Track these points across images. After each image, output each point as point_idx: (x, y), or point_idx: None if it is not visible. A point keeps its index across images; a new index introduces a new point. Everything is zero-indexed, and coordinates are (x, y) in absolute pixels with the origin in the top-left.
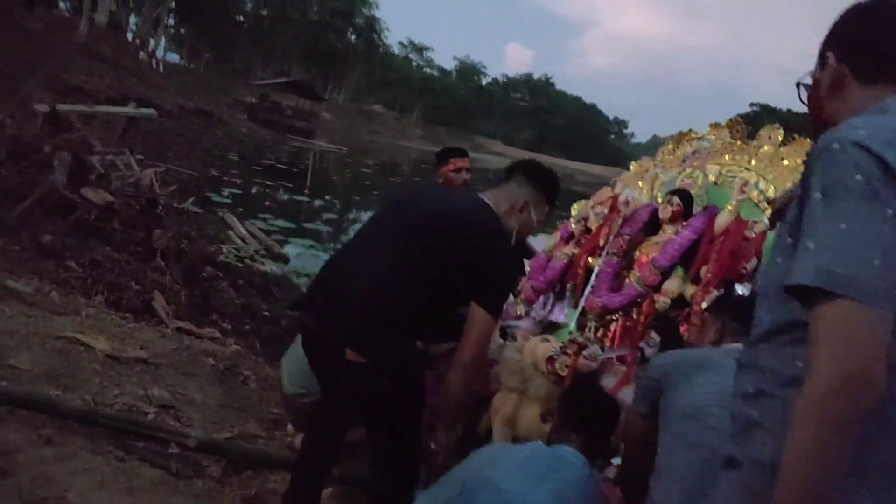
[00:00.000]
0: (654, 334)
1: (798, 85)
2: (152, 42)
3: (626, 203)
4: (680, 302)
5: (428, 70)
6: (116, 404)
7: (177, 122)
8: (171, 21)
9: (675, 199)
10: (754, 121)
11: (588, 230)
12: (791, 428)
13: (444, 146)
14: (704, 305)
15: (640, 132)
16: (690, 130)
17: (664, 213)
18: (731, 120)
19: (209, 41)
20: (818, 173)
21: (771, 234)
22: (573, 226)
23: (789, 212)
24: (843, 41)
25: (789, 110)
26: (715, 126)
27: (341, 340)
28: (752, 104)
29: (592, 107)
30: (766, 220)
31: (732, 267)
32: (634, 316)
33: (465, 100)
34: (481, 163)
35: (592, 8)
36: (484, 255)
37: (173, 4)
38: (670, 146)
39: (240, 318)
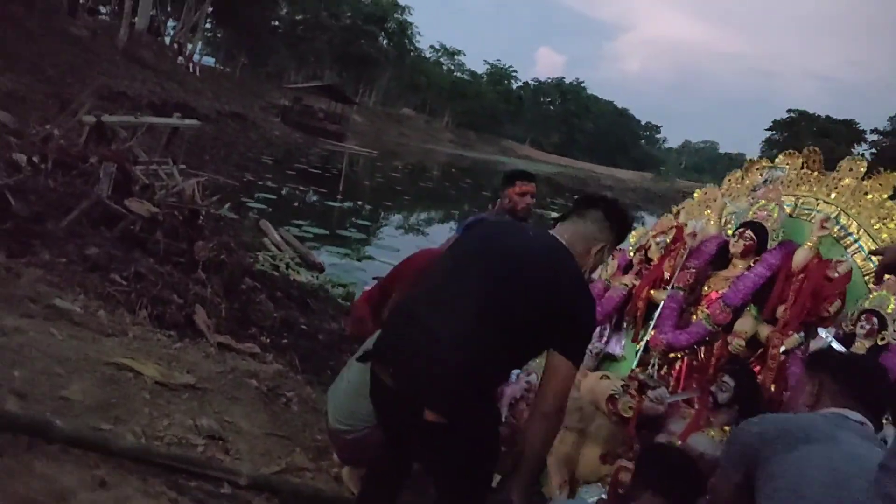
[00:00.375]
0: (727, 378)
1: None
2: (189, 46)
3: (693, 235)
4: (752, 343)
5: (458, 74)
6: (166, 437)
7: (214, 125)
8: (208, 25)
9: (749, 233)
10: (791, 126)
11: (648, 260)
12: None
13: (512, 170)
14: (783, 349)
15: (672, 137)
16: (762, 158)
17: (736, 247)
18: (807, 149)
19: (245, 45)
20: None
21: (857, 274)
22: (632, 254)
23: None
24: None
25: (828, 117)
26: (789, 154)
27: (421, 399)
28: (789, 110)
29: (624, 111)
30: (852, 260)
31: (814, 309)
32: (702, 356)
33: (494, 104)
34: (510, 166)
35: (627, 12)
36: (570, 304)
37: (210, 9)
38: (738, 174)
39: (278, 331)
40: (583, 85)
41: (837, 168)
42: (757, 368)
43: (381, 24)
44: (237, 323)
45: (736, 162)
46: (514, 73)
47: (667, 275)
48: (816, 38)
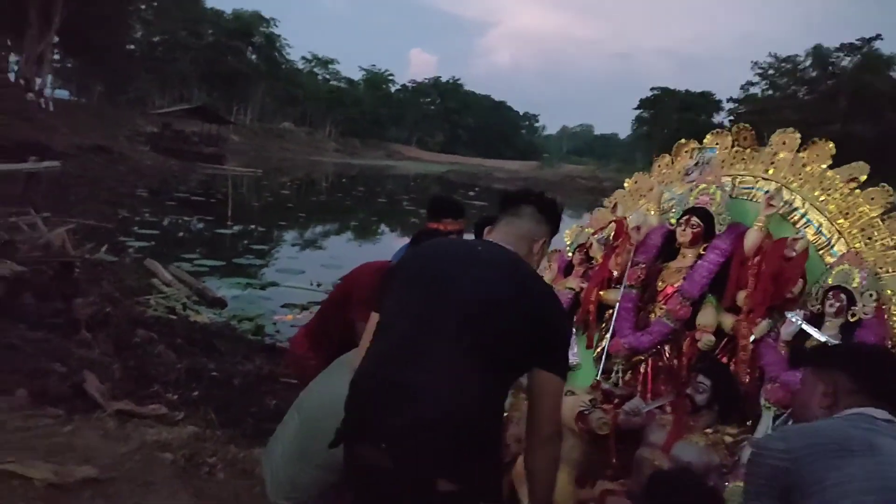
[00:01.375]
0: (701, 377)
1: None
2: (38, 80)
3: (637, 228)
4: (716, 334)
5: (335, 83)
6: None
7: (76, 162)
8: (56, 55)
9: (694, 220)
10: (656, 103)
11: (590, 259)
12: None
13: (435, 195)
14: (753, 338)
15: (550, 124)
16: (689, 140)
17: (683, 236)
18: (737, 126)
19: (99, 73)
20: None
21: (811, 250)
22: (570, 255)
23: None
24: None
25: (687, 91)
26: (716, 133)
27: (429, 470)
28: (652, 88)
29: (502, 104)
30: (807, 237)
31: (777, 292)
32: (667, 355)
33: (375, 109)
34: (399, 170)
35: (492, 8)
36: (545, 316)
37: (56, 38)
38: (667, 159)
39: (185, 384)
40: (459, 82)
41: (769, 143)
42: (724, 360)
43: (247, 38)
44: (136, 383)
45: (612, 141)
46: (391, 77)
47: (615, 273)
48: (665, 18)
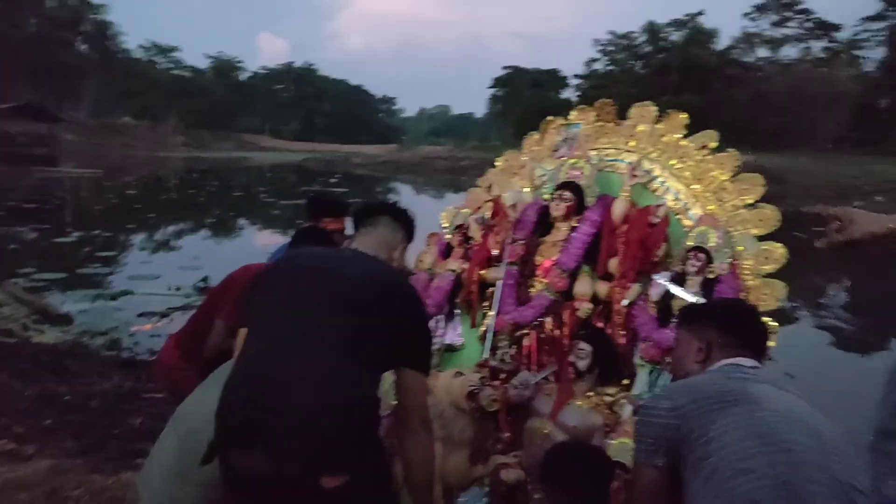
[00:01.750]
0: (582, 344)
1: None
2: None
3: (514, 206)
4: (591, 301)
5: (178, 72)
6: None
7: None
8: None
9: (567, 194)
10: (509, 82)
11: (468, 239)
12: None
13: (316, 193)
14: (626, 302)
15: (408, 107)
16: (556, 118)
17: (557, 210)
18: (599, 102)
19: None
20: None
21: (674, 218)
22: (448, 237)
23: None
24: None
25: (536, 69)
26: (581, 110)
27: (312, 468)
28: (504, 67)
29: (358, 88)
30: (668, 203)
31: (644, 257)
32: (549, 326)
33: (224, 98)
34: (254, 161)
35: None
36: (413, 317)
37: None
38: (536, 136)
39: (36, 413)
40: (313, 67)
41: (629, 116)
42: (601, 325)
43: (75, 27)
44: None
45: (469, 121)
46: (240, 64)
47: (495, 252)
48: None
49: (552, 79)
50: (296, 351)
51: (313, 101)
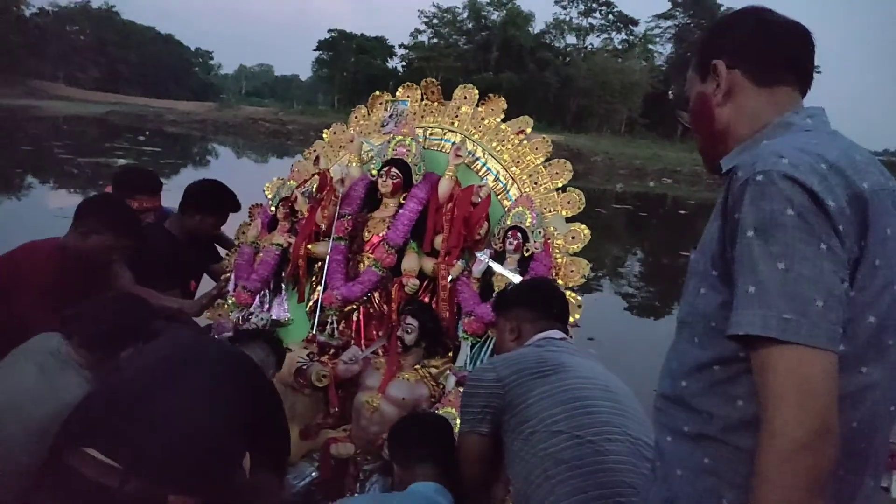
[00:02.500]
0: (409, 319)
1: (677, 111)
2: None
3: (342, 181)
4: (418, 276)
5: None
6: None
7: None
8: None
9: (394, 171)
10: (334, 46)
11: (294, 212)
12: (755, 485)
13: (125, 167)
14: (451, 278)
15: (226, 63)
16: (384, 93)
17: (385, 187)
18: (425, 81)
19: None
20: (748, 208)
21: (494, 198)
22: (273, 209)
23: (707, 240)
24: (733, 47)
25: (363, 34)
26: (408, 87)
27: (166, 483)
28: (329, 30)
29: (169, 37)
30: (489, 184)
31: (468, 235)
32: (377, 302)
33: (3, 36)
34: (46, 110)
35: None
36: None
37: None
38: (363, 111)
39: None
40: (114, 10)
41: (454, 98)
42: (427, 300)
43: None
44: None
45: (294, 83)
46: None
47: (322, 226)
48: None
49: (379, 46)
50: (171, 379)
51: (116, 49)
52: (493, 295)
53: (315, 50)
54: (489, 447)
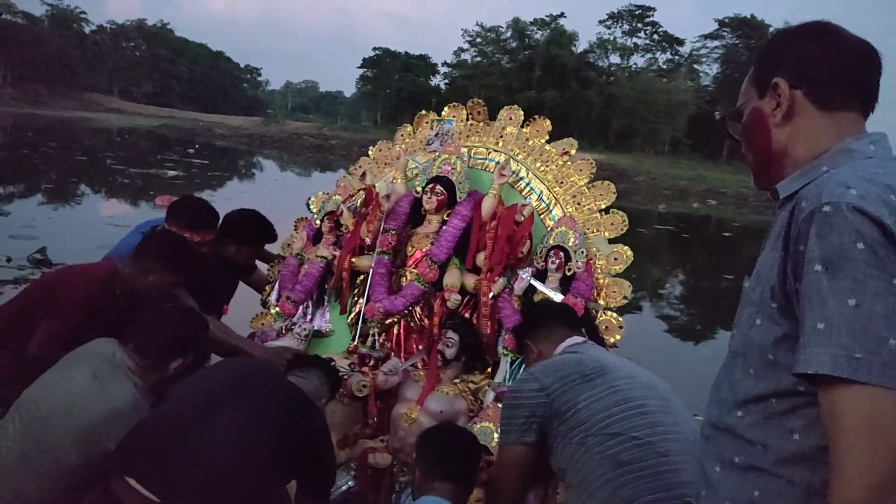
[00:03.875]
0: (450, 333)
1: (723, 119)
2: None
3: (388, 197)
4: (460, 292)
5: (7, 17)
6: None
7: None
8: None
9: (439, 188)
10: (379, 63)
11: (339, 226)
12: None
13: (185, 198)
14: (492, 294)
15: (273, 80)
16: (429, 112)
17: (429, 204)
18: (471, 101)
19: None
20: (815, 241)
21: (537, 218)
22: (318, 223)
23: (764, 270)
24: (796, 65)
25: (406, 53)
26: (453, 107)
27: None
28: (374, 48)
29: (220, 54)
30: (532, 203)
31: (510, 253)
32: (418, 316)
33: (64, 51)
34: (100, 122)
35: None
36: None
37: None
38: (409, 129)
39: None
40: (169, 27)
41: (499, 118)
42: (468, 316)
43: None
44: None
45: (338, 99)
46: (83, 16)
47: (367, 240)
48: None
49: (422, 64)
50: (210, 418)
51: (169, 64)
52: None
53: (359, 67)
54: (535, 457)
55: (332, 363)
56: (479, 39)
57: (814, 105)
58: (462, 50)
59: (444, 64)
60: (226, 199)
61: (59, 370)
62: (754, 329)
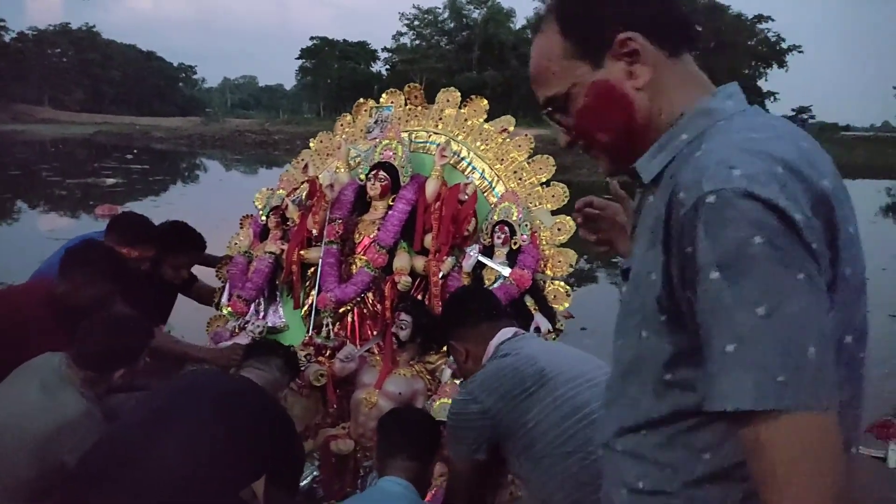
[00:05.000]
0: (404, 316)
1: (550, 115)
2: None
3: (331, 186)
4: (410, 275)
5: None
6: None
7: None
8: None
9: (382, 174)
10: (317, 53)
11: (285, 220)
12: None
13: (123, 215)
14: (442, 274)
15: (210, 77)
16: (368, 99)
17: (373, 190)
18: (408, 86)
19: None
20: (704, 241)
21: (481, 195)
22: (264, 219)
23: (641, 275)
24: (634, 11)
25: (345, 40)
26: (391, 93)
27: None
28: (311, 38)
29: (151, 54)
30: (475, 182)
31: (456, 232)
32: (370, 302)
33: None
34: (31, 134)
35: None
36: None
37: None
38: (348, 118)
39: None
40: (95, 30)
41: (437, 101)
42: (420, 297)
43: None
44: None
45: (279, 93)
46: (1, 23)
47: (314, 232)
48: None
49: (361, 51)
50: (171, 425)
51: (99, 68)
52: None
53: (298, 58)
54: (488, 466)
55: (291, 348)
56: (416, 22)
57: (664, 53)
58: (401, 34)
59: (384, 49)
60: (169, 203)
61: (8, 385)
62: (643, 343)
